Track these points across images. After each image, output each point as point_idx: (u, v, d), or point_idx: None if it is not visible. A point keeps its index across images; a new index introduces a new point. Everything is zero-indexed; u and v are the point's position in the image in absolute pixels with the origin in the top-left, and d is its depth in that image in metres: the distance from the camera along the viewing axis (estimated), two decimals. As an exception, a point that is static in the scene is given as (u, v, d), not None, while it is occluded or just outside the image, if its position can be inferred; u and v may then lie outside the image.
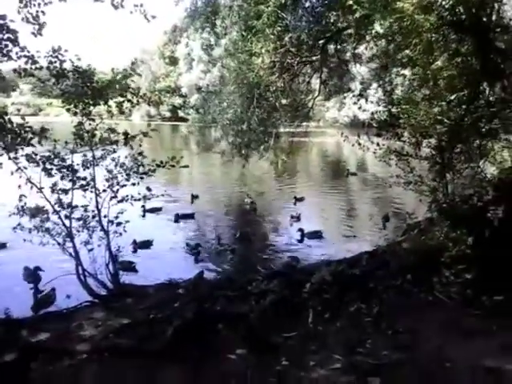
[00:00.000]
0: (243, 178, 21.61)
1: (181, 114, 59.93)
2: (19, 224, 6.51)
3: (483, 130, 6.79)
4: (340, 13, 8.77)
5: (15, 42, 5.71)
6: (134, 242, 11.17)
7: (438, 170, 7.18)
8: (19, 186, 6.36)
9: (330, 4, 9.20)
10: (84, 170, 6.83)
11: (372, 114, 8.51)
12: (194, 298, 5.86)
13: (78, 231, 6.81)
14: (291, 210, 15.58)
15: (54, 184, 6.56)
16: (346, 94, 12.79)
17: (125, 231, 7.07)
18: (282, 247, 12.14)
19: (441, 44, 6.70)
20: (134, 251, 11.09)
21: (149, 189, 7.40)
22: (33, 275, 9.03)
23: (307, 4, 9.47)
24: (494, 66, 6.35)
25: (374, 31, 8.74)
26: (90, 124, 6.72)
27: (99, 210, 6.87)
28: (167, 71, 71.97)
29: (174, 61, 71.72)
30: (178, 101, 60.05)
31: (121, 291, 6.78)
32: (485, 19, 6.41)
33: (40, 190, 6.45)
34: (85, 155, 6.84)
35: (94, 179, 6.84)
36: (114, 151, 7.06)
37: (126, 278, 7.42)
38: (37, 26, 5.87)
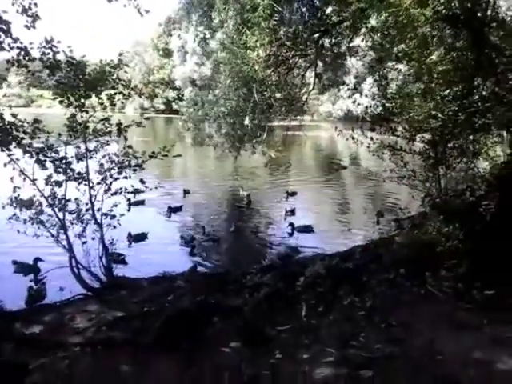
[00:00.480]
0: (237, 171, 21.60)
1: (175, 106, 59.68)
2: (15, 214, 6.47)
3: (477, 125, 6.82)
4: (336, 6, 8.76)
5: (7, 32, 5.63)
6: (130, 234, 11.16)
7: (432, 165, 7.21)
8: (11, 179, 6.31)
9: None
10: (78, 162, 6.79)
11: (366, 108, 8.53)
12: (187, 291, 5.87)
13: (72, 224, 6.79)
14: (285, 204, 15.59)
15: (49, 176, 6.51)
16: (340, 87, 12.82)
17: (119, 224, 7.07)
18: (274, 240, 12.19)
19: (436, 38, 6.70)
20: (130, 244, 11.12)
21: (142, 181, 7.38)
22: (32, 266, 9.10)
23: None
24: (488, 61, 6.36)
25: (369, 25, 8.73)
26: (82, 116, 6.67)
27: (92, 203, 6.84)
28: (161, 63, 71.45)
29: (167, 53, 71.18)
30: (171, 94, 59.71)
31: (114, 284, 6.77)
32: (480, 14, 6.41)
33: (33, 181, 6.41)
34: (78, 147, 6.80)
35: (87, 172, 6.81)
36: (108, 143, 7.03)
37: (119, 270, 7.41)
38: (30, 19, 5.80)
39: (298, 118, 12.63)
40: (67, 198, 6.67)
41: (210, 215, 14.83)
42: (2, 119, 5.97)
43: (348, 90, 11.72)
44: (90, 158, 6.90)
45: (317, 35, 9.68)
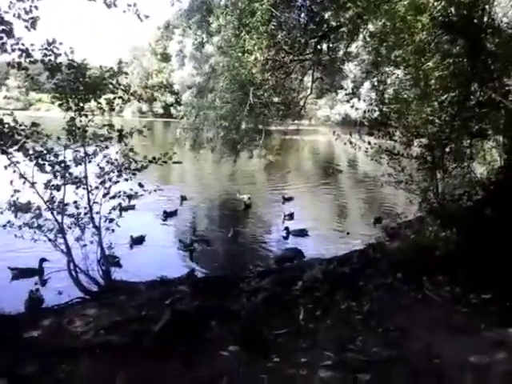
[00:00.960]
0: (235, 175, 21.61)
1: (173, 110, 59.69)
2: (9, 221, 6.45)
3: (473, 130, 6.87)
4: (334, 11, 8.82)
5: (10, 33, 5.64)
6: (131, 237, 11.23)
7: (429, 170, 7.25)
8: (11, 182, 6.31)
9: (323, 2, 9.25)
10: (76, 166, 6.80)
11: (364, 112, 8.57)
12: (185, 296, 5.87)
13: (70, 227, 6.79)
14: (284, 208, 15.60)
15: (49, 180, 6.52)
16: (338, 92, 12.88)
17: (118, 226, 7.08)
18: (272, 244, 12.21)
19: (433, 45, 6.76)
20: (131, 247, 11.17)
21: (141, 185, 7.39)
22: (35, 269, 9.21)
23: (301, 2, 9.51)
24: (484, 67, 6.42)
25: (366, 31, 8.79)
26: (80, 121, 6.68)
27: (91, 207, 6.85)
28: (159, 67, 71.49)
29: (166, 57, 71.24)
30: (170, 98, 59.75)
31: (112, 288, 6.77)
32: (476, 21, 6.47)
33: (32, 185, 6.41)
34: (77, 151, 6.81)
35: (86, 176, 6.82)
36: (107, 147, 7.05)
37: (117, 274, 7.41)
38: (30, 20, 5.82)
39: (296, 122, 12.67)
40: (66, 201, 6.68)
41: (207, 220, 14.83)
42: (2, 123, 5.97)
43: (346, 94, 11.78)
44: (90, 161, 6.91)
45: (315, 40, 9.75)
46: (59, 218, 6.58)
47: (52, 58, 6.16)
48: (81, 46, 6.28)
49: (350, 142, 8.06)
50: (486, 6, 6.56)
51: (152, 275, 7.57)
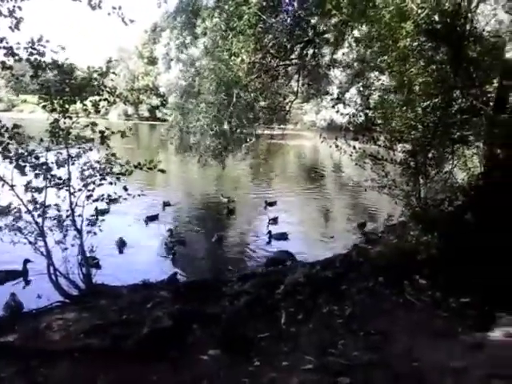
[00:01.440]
0: (221, 179, 21.55)
1: (159, 113, 59.45)
2: None
3: (455, 136, 6.96)
4: (319, 17, 8.90)
5: None
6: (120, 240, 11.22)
7: (412, 175, 7.31)
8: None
9: (310, 8, 9.32)
10: (58, 168, 6.70)
11: (349, 117, 8.63)
12: (167, 299, 5.83)
13: (51, 230, 6.68)
14: (269, 212, 15.59)
15: (29, 182, 6.41)
16: (323, 97, 12.95)
17: (100, 230, 6.99)
18: (256, 248, 12.20)
19: (416, 51, 6.84)
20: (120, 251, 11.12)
21: (125, 188, 7.31)
22: (19, 271, 9.09)
23: (287, 7, 9.58)
24: (466, 74, 6.51)
25: (352, 36, 8.87)
26: (65, 122, 6.59)
27: (73, 210, 6.75)
28: (146, 70, 71.14)
29: (152, 61, 70.90)
30: (155, 101, 59.40)
31: (93, 291, 6.68)
32: (459, 29, 6.57)
33: (12, 187, 6.30)
34: (60, 153, 6.71)
35: (69, 178, 6.72)
36: (90, 150, 6.96)
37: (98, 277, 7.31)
38: (14, 21, 5.74)
39: (282, 126, 12.70)
40: (47, 204, 6.57)
41: (190, 224, 14.72)
42: None
43: (331, 99, 11.85)
44: (73, 163, 6.81)
45: (301, 45, 9.81)
46: (40, 220, 6.47)
47: (37, 56, 6.09)
48: (67, 46, 6.16)
49: (336, 146, 8.08)
50: (469, 15, 6.67)
51: (135, 279, 7.51)
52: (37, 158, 6.40)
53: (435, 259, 5.82)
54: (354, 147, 7.90)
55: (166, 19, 10.44)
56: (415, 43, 6.78)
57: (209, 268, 10.63)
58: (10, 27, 5.82)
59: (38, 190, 6.47)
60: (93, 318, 5.32)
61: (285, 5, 9.52)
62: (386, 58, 7.62)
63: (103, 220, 7.09)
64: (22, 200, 6.38)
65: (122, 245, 11.42)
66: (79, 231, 6.79)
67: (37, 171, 6.39)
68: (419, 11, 6.37)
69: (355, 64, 10.32)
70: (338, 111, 9.71)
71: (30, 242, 6.50)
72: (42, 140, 6.60)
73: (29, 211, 6.40)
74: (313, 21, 9.66)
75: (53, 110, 6.47)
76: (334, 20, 8.61)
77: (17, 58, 5.95)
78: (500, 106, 6.27)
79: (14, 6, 5.71)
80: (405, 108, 7.11)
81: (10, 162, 6.20)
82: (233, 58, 8.14)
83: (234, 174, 20.14)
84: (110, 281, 7.51)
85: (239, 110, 9.03)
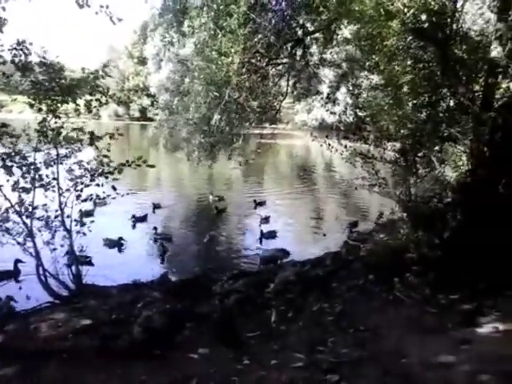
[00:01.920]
0: (211, 179, 21.50)
1: (150, 114, 59.17)
2: None
3: (444, 134, 7.00)
4: (307, 15, 8.92)
5: None
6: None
7: (402, 173, 7.36)
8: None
9: (298, 7, 9.35)
10: (47, 168, 6.65)
11: (339, 116, 8.68)
12: (158, 299, 5.81)
13: (40, 231, 6.64)
14: (256, 212, 15.59)
15: (16, 182, 6.35)
16: (314, 97, 12.99)
17: (90, 231, 6.96)
18: (248, 247, 12.22)
19: (404, 50, 6.88)
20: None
21: (114, 188, 7.28)
22: (11, 271, 8.98)
23: (276, 6, 9.58)
24: (453, 73, 6.56)
25: (341, 36, 8.90)
26: (55, 122, 6.54)
27: (62, 210, 6.71)
28: (136, 70, 70.78)
29: (142, 61, 70.54)
30: (146, 101, 59.11)
31: (83, 292, 6.65)
32: (446, 28, 6.62)
33: (-1, 187, 6.25)
34: (48, 153, 6.66)
35: (57, 178, 6.67)
36: (80, 150, 6.93)
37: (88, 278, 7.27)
38: None
39: (273, 126, 12.70)
40: (35, 204, 6.52)
41: (181, 224, 14.68)
42: None
43: (321, 99, 11.90)
44: (61, 163, 6.77)
45: (290, 44, 9.83)
46: (28, 221, 6.42)
47: (22, 58, 6.05)
48: (57, 46, 6.14)
49: (329, 145, 8.11)
50: (456, 14, 6.72)
51: (125, 279, 7.48)
52: (24, 158, 6.35)
53: (425, 256, 5.86)
54: (345, 146, 7.94)
55: (152, 16, 10.41)
56: (402, 42, 6.83)
57: (200, 267, 10.60)
58: None
59: (26, 190, 6.42)
60: (83, 319, 5.29)
61: (274, 4, 9.53)
62: (373, 56, 7.67)
63: (92, 221, 7.05)
64: (9, 200, 6.33)
65: (112, 244, 11.38)
66: (69, 231, 6.75)
67: (24, 171, 6.34)
68: (406, 10, 6.40)
69: (344, 64, 10.37)
70: (327, 110, 9.76)
71: (19, 243, 6.45)
72: (29, 140, 6.55)
73: (16, 212, 6.35)
74: (301, 20, 9.69)
75: (40, 110, 6.44)
76: (322, 17, 8.63)
77: (1, 60, 5.91)
78: (486, 104, 6.32)
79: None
80: (393, 106, 7.15)
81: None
82: (222, 57, 8.13)
83: (224, 172, 20.08)
84: (100, 281, 7.49)
85: (229, 110, 9.02)
